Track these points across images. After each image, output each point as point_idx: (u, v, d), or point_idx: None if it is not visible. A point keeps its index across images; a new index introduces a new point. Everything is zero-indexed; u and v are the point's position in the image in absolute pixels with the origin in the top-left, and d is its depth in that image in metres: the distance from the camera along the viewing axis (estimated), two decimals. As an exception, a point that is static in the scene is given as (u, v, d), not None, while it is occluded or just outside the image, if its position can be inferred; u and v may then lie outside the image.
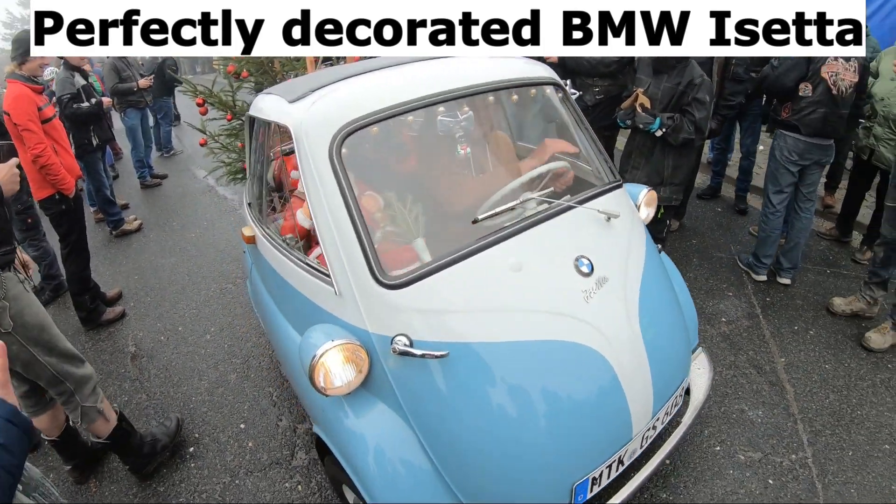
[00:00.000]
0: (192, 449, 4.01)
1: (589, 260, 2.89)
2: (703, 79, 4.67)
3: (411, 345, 2.48)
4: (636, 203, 3.63)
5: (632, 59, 5.01)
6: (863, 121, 5.72)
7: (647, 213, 3.71)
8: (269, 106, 3.52)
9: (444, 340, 2.50)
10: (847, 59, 4.84)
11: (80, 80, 6.88)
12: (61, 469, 3.82)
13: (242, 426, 4.17)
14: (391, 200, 3.18)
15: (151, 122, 10.37)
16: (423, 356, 2.46)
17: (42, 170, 4.91)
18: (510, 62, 3.56)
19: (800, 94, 5.09)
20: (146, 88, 9.32)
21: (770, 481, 3.53)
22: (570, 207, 3.09)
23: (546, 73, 3.63)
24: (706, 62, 5.68)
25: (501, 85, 3.37)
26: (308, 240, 3.71)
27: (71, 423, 3.59)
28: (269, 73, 5.65)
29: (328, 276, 2.75)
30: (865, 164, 5.95)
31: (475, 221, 2.91)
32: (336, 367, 2.52)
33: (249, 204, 4.16)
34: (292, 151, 4.78)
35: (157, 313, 5.77)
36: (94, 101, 6.88)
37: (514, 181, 3.25)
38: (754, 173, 7.51)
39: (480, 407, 2.48)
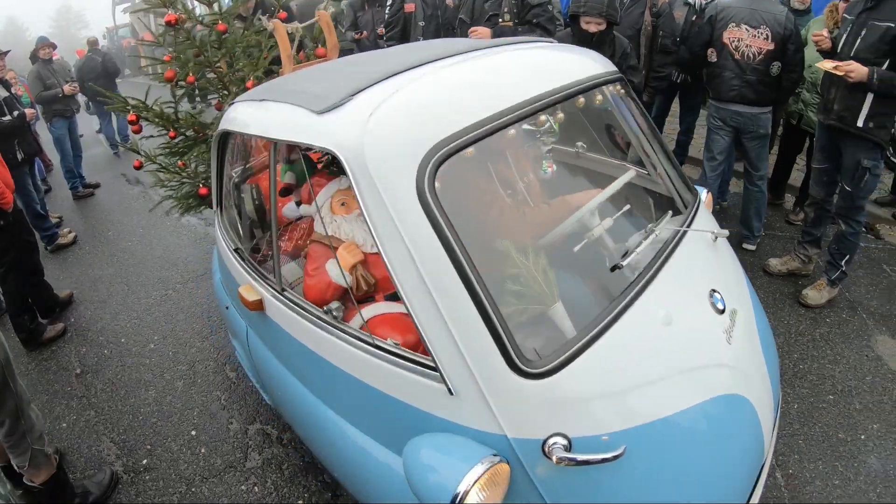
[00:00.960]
0: (145, 461, 3.92)
1: (720, 293, 2.53)
2: (630, 47, 4.87)
3: (570, 445, 1.89)
4: None
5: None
6: (799, 90, 5.88)
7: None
8: (269, 119, 2.74)
9: (609, 431, 1.96)
10: (754, 26, 4.96)
11: (0, 93, 6.70)
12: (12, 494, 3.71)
13: (193, 433, 4.10)
14: (508, 252, 2.35)
15: (81, 130, 10.12)
16: (601, 461, 1.85)
17: None
18: (578, 52, 3.03)
19: (708, 59, 5.29)
20: (72, 95, 9.06)
21: (719, 440, 3.60)
22: (682, 232, 2.67)
23: (607, 65, 3.03)
24: (634, 35, 5.80)
25: (593, 82, 2.77)
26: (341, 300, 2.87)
27: (16, 468, 3.35)
28: (219, 79, 4.75)
29: (433, 368, 2.02)
30: (795, 128, 6.18)
31: (617, 268, 2.36)
32: (473, 499, 1.84)
33: (237, 250, 3.35)
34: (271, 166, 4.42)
35: (99, 327, 5.61)
36: (16, 113, 6.68)
37: (606, 200, 2.69)
38: (691, 146, 7.69)
39: (657, 495, 2.02)
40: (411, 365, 2.12)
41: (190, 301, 5.84)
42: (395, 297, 2.85)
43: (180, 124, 4.77)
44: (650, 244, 2.50)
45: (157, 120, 4.69)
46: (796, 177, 7.03)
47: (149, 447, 4.04)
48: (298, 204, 3.78)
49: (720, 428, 2.22)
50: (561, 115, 3.01)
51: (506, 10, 5.22)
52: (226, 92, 4.75)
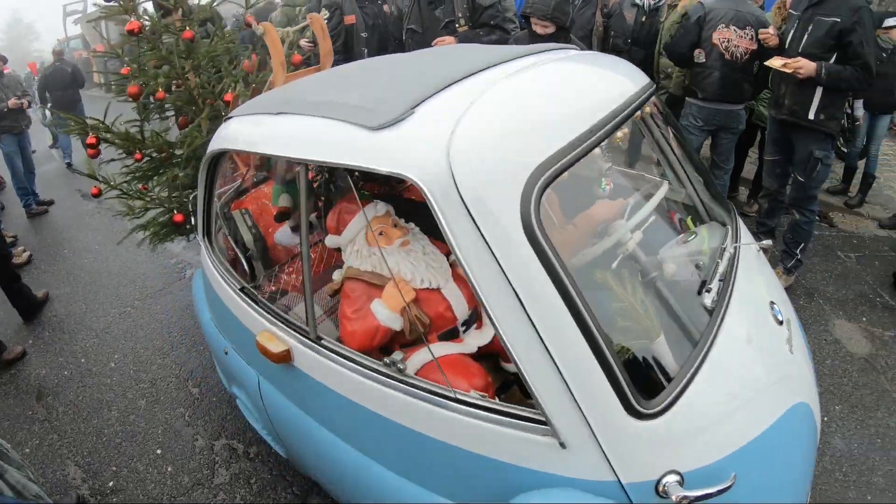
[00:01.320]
0: (111, 483, 3.84)
1: (777, 305, 2.50)
2: (585, 49, 4.84)
3: (682, 480, 1.75)
4: None
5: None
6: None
7: None
8: (295, 136, 2.37)
9: (715, 459, 1.86)
10: (742, 27, 5.06)
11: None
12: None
13: (159, 451, 4.03)
14: (607, 283, 2.17)
15: (33, 146, 9.95)
16: (717, 494, 1.72)
17: None
18: (614, 62, 2.82)
19: (695, 60, 5.34)
20: (22, 110, 8.84)
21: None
22: (738, 248, 2.59)
23: (642, 75, 2.79)
24: (586, 37, 5.85)
25: (647, 94, 2.57)
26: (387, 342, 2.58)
27: None
28: (188, 92, 4.33)
29: (538, 421, 1.83)
30: (747, 122, 6.25)
31: (706, 291, 2.25)
32: None
33: (244, 290, 2.96)
34: (264, 181, 3.92)
35: (58, 347, 5.47)
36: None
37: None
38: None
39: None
40: (509, 420, 1.90)
41: (149, 318, 5.75)
42: (448, 336, 2.66)
43: (146, 145, 4.31)
44: (711, 263, 2.44)
45: (120, 142, 4.23)
46: (749, 169, 7.21)
47: (114, 469, 3.96)
48: (294, 230, 3.57)
49: (795, 435, 2.21)
50: (626, 131, 2.90)
51: (459, 15, 5.19)
52: (194, 107, 4.44)
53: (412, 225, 2.86)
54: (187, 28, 4.25)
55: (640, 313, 2.09)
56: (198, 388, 4.59)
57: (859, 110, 6.51)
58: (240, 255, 3.30)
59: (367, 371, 2.25)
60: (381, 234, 2.70)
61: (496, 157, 1.82)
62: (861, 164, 6.97)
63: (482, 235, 1.75)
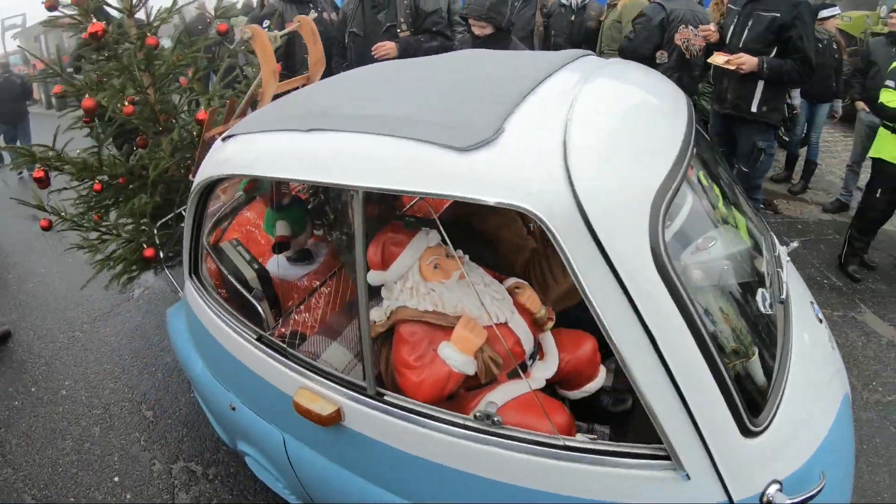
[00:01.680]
0: (68, 515, 3.73)
1: (814, 304, 2.55)
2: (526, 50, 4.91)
3: (782, 488, 1.71)
4: None
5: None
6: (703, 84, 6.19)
7: None
8: (349, 158, 2.00)
9: (804, 461, 1.84)
10: (696, 25, 5.22)
11: None
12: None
13: (116, 479, 3.93)
14: (710, 304, 2.06)
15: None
16: (815, 496, 1.72)
17: None
18: (646, 71, 2.66)
19: (656, 61, 5.45)
20: None
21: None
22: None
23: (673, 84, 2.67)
24: (527, 37, 5.92)
25: (692, 103, 2.45)
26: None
27: None
28: (152, 113, 3.91)
29: (657, 456, 1.74)
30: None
31: (780, 302, 2.20)
32: None
33: (262, 339, 2.57)
34: (244, 205, 3.60)
35: (6, 378, 5.29)
36: None
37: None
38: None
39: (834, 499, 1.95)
40: (624, 460, 1.78)
41: (98, 341, 5.61)
42: (516, 372, 2.37)
43: (104, 172, 3.85)
44: (771, 272, 2.40)
45: (78, 171, 3.81)
46: (696, 162, 7.31)
47: (72, 500, 3.86)
48: (292, 260, 3.43)
49: (846, 427, 2.24)
50: None
51: (402, 20, 5.19)
52: (160, 127, 4.07)
53: (460, 252, 2.48)
54: (148, 34, 3.87)
55: (741, 333, 2.04)
56: (152, 410, 4.50)
57: (796, 99, 6.71)
58: (247, 296, 2.92)
59: (450, 428, 1.99)
60: (436, 267, 2.40)
61: (621, 180, 1.66)
62: (802, 151, 7.18)
63: (616, 270, 1.59)
